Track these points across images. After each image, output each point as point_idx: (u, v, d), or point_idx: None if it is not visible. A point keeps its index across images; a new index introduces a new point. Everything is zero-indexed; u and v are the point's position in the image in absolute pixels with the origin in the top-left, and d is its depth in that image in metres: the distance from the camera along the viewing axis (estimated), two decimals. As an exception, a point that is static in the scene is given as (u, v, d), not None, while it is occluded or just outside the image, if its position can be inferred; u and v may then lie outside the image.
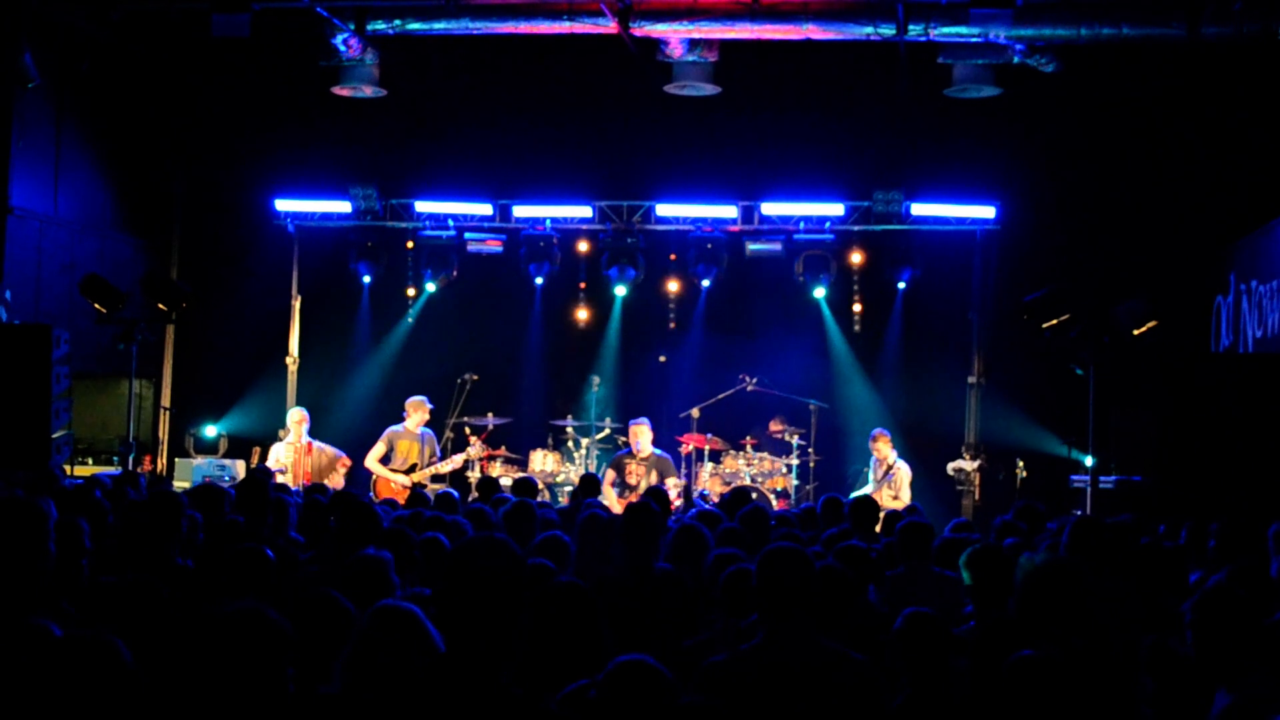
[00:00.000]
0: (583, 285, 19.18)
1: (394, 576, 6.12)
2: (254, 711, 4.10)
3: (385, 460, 15.62)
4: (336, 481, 15.33)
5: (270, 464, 15.47)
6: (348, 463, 15.80)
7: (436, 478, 15.73)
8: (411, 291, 19.21)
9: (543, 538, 7.78)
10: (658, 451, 15.69)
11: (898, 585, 7.49)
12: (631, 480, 15.29)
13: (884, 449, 15.84)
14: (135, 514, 7.49)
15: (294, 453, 15.62)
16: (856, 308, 18.69)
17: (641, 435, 15.62)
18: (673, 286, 19.05)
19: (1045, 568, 5.70)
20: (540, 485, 15.90)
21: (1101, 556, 7.11)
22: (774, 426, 17.58)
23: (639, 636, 6.59)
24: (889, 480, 15.58)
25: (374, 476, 15.59)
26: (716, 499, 15.21)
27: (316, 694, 4.64)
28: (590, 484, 12.60)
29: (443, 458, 15.97)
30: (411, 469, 15.55)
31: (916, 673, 5.28)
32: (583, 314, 19.29)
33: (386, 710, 4.14)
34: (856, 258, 18.49)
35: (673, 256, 18.87)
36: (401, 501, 12.86)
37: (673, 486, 15.17)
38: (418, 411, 15.81)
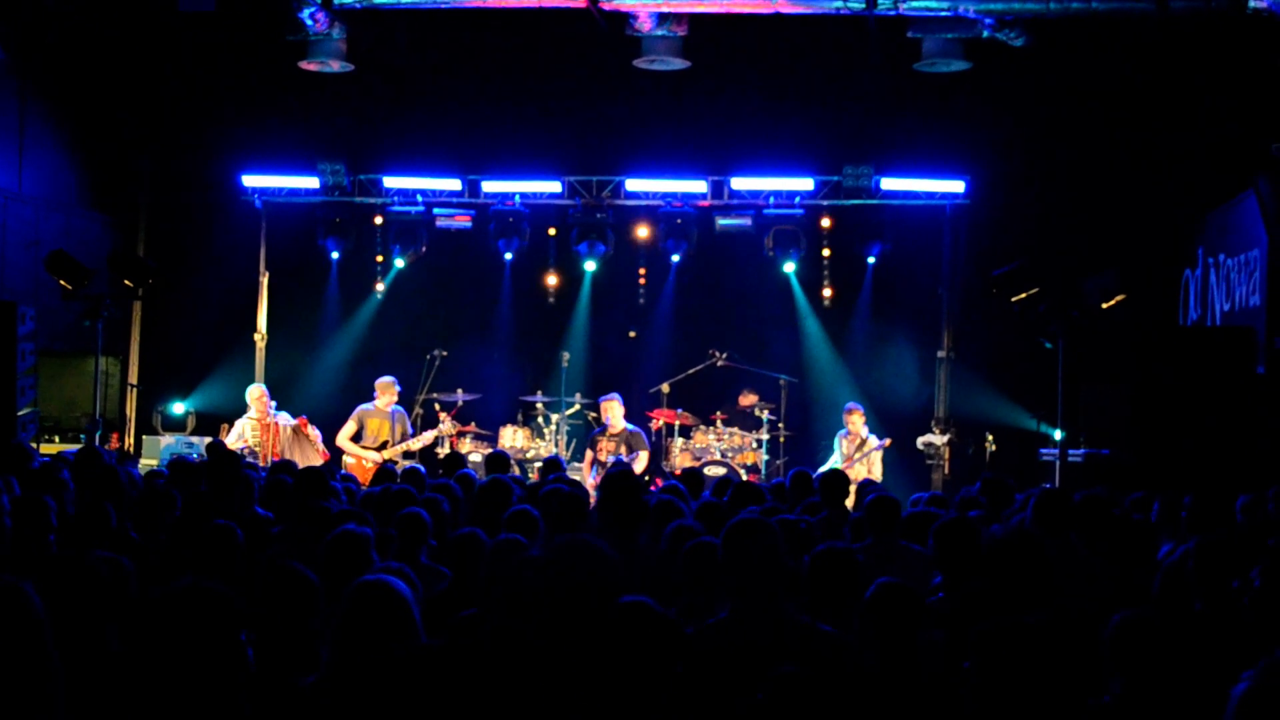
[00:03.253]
0: (552, 261, 19.12)
1: (373, 553, 6.11)
2: (209, 690, 4.07)
3: (356, 438, 15.60)
4: (306, 451, 15.32)
5: (233, 439, 15.39)
6: (305, 421, 15.74)
7: (408, 454, 15.70)
8: (380, 267, 19.13)
9: (512, 511, 7.75)
10: (630, 426, 15.68)
11: (865, 558, 7.48)
12: (604, 458, 15.29)
13: (858, 423, 15.88)
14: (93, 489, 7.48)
15: (260, 430, 15.56)
16: (826, 282, 18.71)
17: (613, 411, 15.62)
18: (642, 262, 19.02)
19: (1009, 539, 5.71)
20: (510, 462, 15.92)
21: (1067, 529, 7.14)
22: (744, 400, 17.59)
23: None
24: (863, 455, 15.62)
25: (345, 454, 15.57)
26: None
27: (294, 687, 4.61)
28: (554, 467, 12.46)
29: (414, 434, 15.94)
30: (383, 446, 15.53)
31: (886, 643, 5.28)
32: (552, 289, 19.24)
33: (371, 699, 4.13)
34: (826, 233, 18.50)
35: (644, 227, 18.79)
36: (367, 479, 12.79)
37: (641, 460, 15.17)
38: (386, 392, 15.80)
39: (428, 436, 15.81)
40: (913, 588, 5.58)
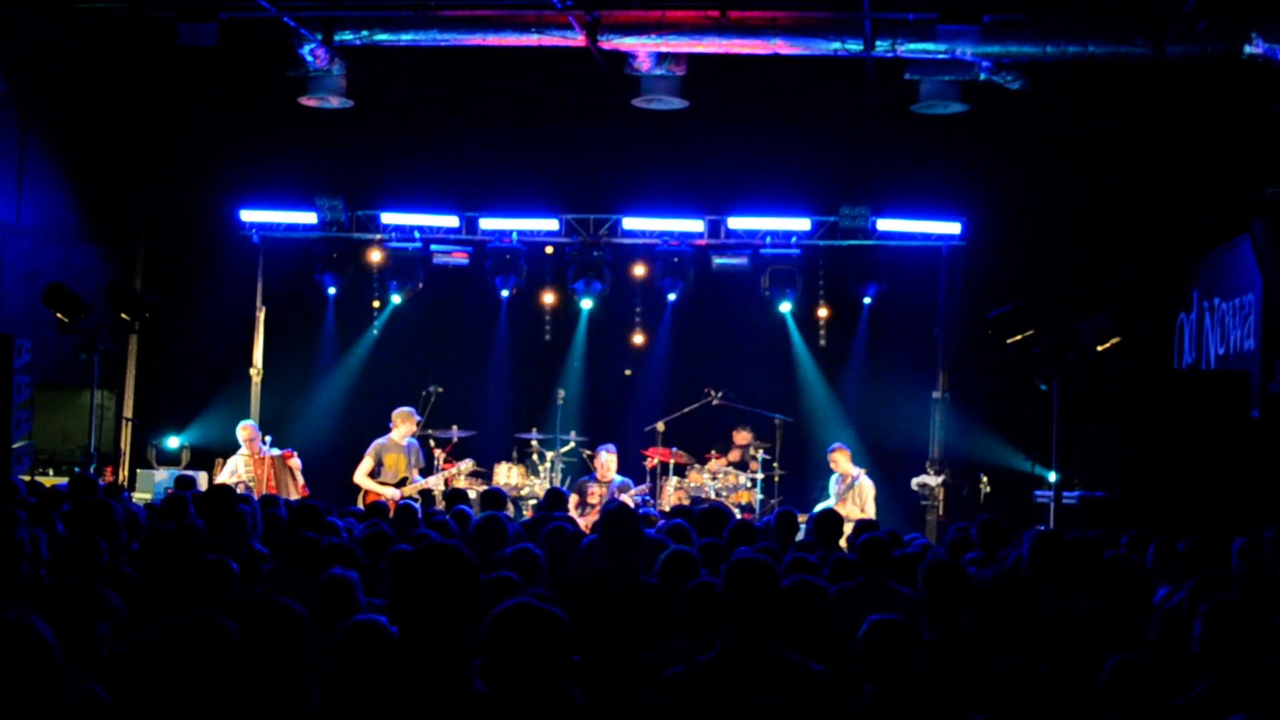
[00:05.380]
0: (549, 298, 19.14)
1: (360, 596, 6.09)
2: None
3: (375, 474, 15.59)
4: (286, 482, 15.36)
5: (226, 475, 15.39)
6: (290, 454, 15.79)
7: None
8: (377, 303, 19.15)
9: (513, 550, 7.72)
10: (619, 479, 15.79)
11: (854, 598, 7.46)
12: (592, 500, 15.35)
13: (843, 463, 15.87)
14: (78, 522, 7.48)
15: (253, 465, 15.57)
16: (822, 322, 18.71)
17: (609, 462, 15.79)
18: (639, 300, 19.04)
19: (998, 581, 5.70)
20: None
21: (1062, 571, 7.12)
22: (738, 438, 17.57)
23: (608, 641, 6.57)
24: (852, 494, 15.60)
25: (363, 491, 15.52)
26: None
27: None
28: (556, 498, 12.52)
29: (423, 464, 15.96)
30: (402, 482, 15.52)
31: (879, 680, 5.29)
32: (548, 327, 19.25)
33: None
34: (822, 273, 18.52)
35: (642, 269, 18.84)
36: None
37: (628, 498, 15.23)
38: (405, 423, 15.80)
39: (442, 476, 15.80)
40: (907, 624, 5.60)
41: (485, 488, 15.18)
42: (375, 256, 18.86)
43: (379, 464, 15.66)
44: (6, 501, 8.94)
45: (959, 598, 6.09)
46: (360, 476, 15.63)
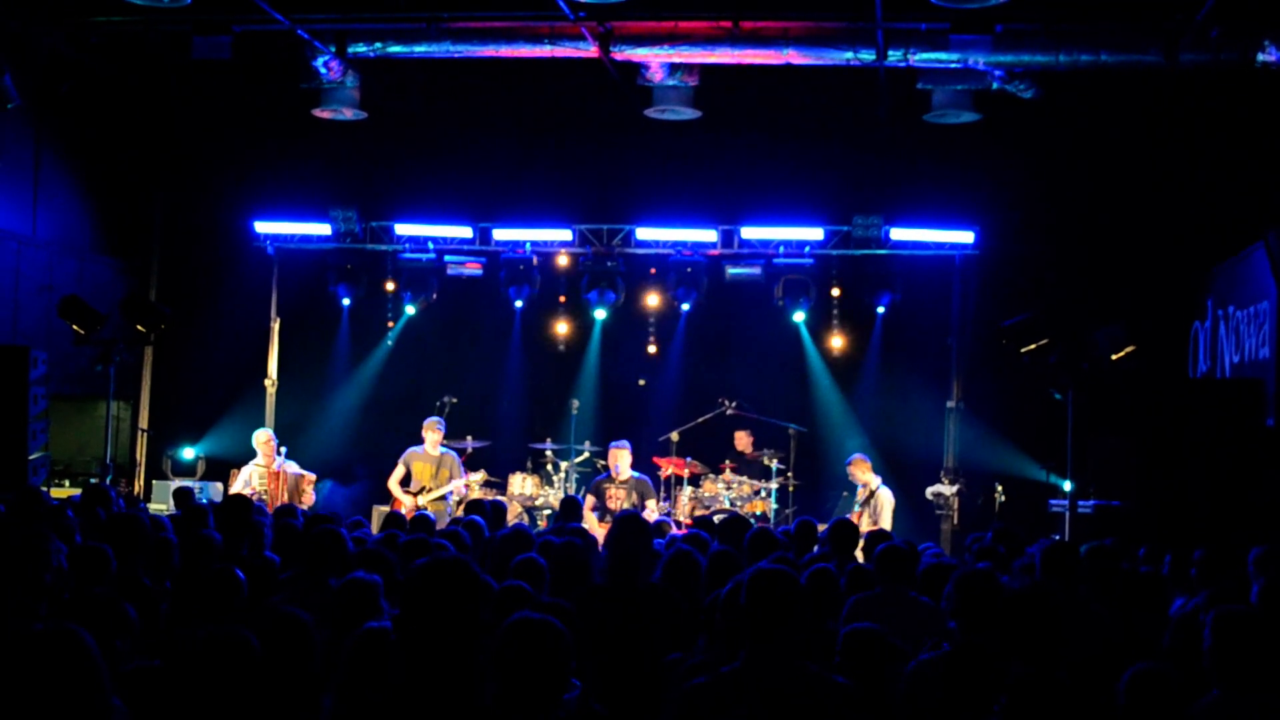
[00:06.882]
0: (562, 308, 19.15)
1: (383, 601, 6.11)
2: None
3: (405, 482, 15.64)
4: (308, 500, 15.39)
5: (240, 486, 15.42)
6: (313, 479, 15.84)
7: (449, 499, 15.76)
8: (391, 314, 19.17)
9: (519, 560, 7.74)
10: (636, 474, 15.68)
11: (871, 608, 7.46)
12: (612, 505, 15.25)
13: (862, 474, 15.80)
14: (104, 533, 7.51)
15: (267, 476, 15.59)
16: (836, 332, 18.70)
17: (621, 458, 15.61)
18: (652, 309, 19.04)
19: (1024, 593, 5.71)
20: (519, 509, 15.96)
21: (1075, 580, 7.12)
22: (739, 443, 17.52)
23: (621, 649, 6.59)
24: (870, 505, 15.56)
25: (393, 497, 15.63)
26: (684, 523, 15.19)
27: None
28: (571, 507, 12.52)
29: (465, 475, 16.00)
30: (422, 491, 15.57)
31: (858, 682, 5.38)
32: (562, 337, 19.27)
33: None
34: (836, 282, 18.52)
35: (653, 271, 18.85)
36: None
37: (652, 510, 15.16)
38: (432, 433, 15.83)
39: (457, 484, 15.82)
40: (882, 633, 5.66)
41: (496, 497, 15.21)
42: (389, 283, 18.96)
43: (408, 471, 15.72)
44: (34, 515, 8.99)
45: (991, 608, 6.09)
46: (390, 483, 15.75)
